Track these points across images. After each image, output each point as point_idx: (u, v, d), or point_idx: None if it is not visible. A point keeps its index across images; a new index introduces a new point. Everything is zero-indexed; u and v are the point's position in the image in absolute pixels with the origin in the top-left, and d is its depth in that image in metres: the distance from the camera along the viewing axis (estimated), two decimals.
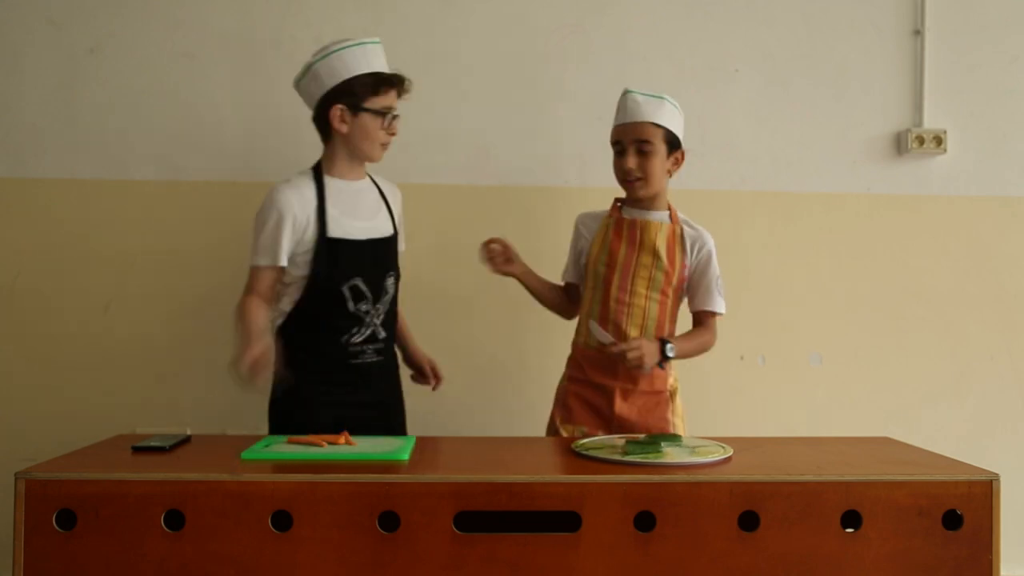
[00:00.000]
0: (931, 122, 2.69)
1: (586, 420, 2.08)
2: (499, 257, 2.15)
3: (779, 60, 2.69)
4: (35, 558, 1.46)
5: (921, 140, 2.66)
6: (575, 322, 2.21)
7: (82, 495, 1.47)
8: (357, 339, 2.04)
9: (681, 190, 2.66)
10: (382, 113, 2.03)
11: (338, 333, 2.03)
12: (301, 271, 2.02)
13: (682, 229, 2.12)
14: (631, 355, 1.95)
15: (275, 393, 2.08)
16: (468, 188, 2.62)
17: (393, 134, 2.08)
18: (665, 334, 2.09)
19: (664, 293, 2.09)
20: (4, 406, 2.54)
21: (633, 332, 2.06)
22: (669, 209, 2.15)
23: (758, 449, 1.77)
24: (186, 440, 1.79)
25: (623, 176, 2.09)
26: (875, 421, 2.64)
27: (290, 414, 2.05)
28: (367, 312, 2.04)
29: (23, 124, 2.56)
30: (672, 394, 2.11)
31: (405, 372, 2.25)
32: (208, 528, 1.47)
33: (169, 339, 2.56)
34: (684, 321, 2.17)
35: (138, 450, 1.68)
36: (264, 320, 1.97)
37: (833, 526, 1.51)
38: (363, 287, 2.03)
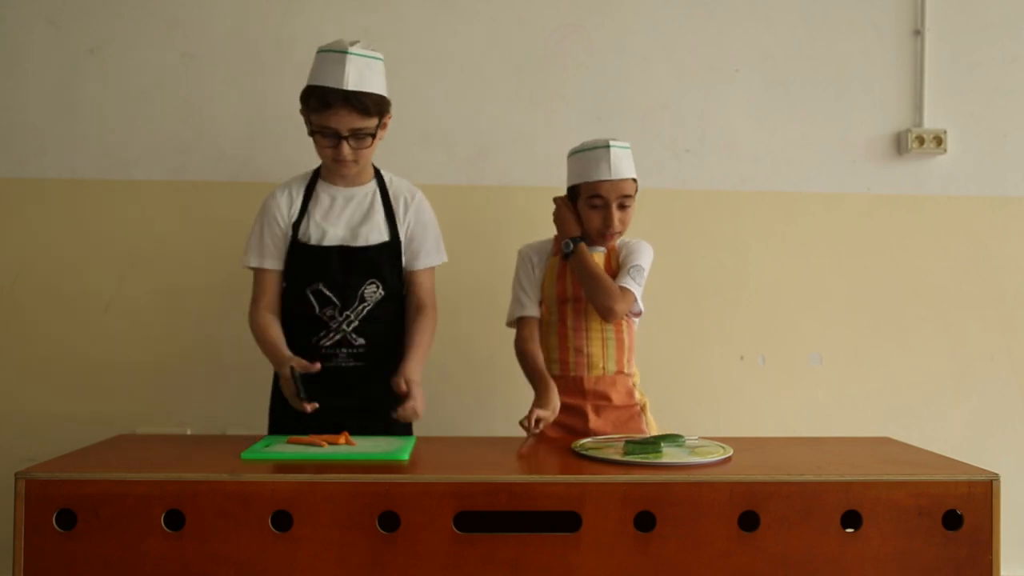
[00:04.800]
0: (931, 122, 2.69)
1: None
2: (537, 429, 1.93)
3: (779, 60, 2.68)
4: (35, 558, 1.46)
5: (921, 140, 2.66)
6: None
7: (82, 495, 1.47)
8: (327, 343, 1.99)
9: (681, 190, 2.67)
10: (320, 132, 1.93)
11: (308, 334, 2.00)
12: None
13: (616, 247, 2.15)
14: None
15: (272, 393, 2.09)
16: (468, 188, 2.61)
17: (341, 154, 1.93)
18: (626, 352, 2.10)
19: None
20: (4, 406, 2.54)
21: (595, 353, 2.08)
22: None
23: (758, 449, 1.77)
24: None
25: (603, 231, 2.08)
26: (875, 421, 2.64)
27: (280, 413, 2.04)
28: (332, 318, 1.98)
29: (23, 124, 2.56)
30: (643, 408, 2.12)
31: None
32: (208, 528, 1.47)
33: (169, 339, 2.56)
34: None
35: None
36: (277, 336, 1.98)
37: (833, 526, 1.51)
38: (328, 293, 1.99)
